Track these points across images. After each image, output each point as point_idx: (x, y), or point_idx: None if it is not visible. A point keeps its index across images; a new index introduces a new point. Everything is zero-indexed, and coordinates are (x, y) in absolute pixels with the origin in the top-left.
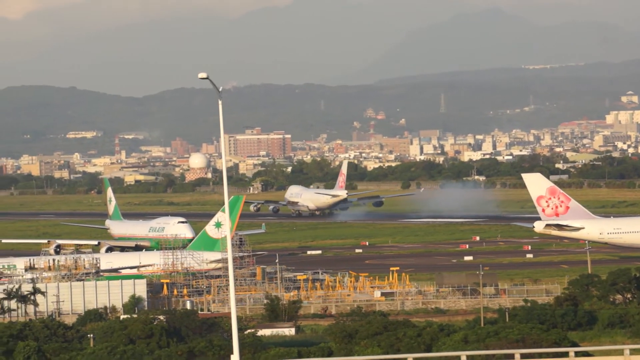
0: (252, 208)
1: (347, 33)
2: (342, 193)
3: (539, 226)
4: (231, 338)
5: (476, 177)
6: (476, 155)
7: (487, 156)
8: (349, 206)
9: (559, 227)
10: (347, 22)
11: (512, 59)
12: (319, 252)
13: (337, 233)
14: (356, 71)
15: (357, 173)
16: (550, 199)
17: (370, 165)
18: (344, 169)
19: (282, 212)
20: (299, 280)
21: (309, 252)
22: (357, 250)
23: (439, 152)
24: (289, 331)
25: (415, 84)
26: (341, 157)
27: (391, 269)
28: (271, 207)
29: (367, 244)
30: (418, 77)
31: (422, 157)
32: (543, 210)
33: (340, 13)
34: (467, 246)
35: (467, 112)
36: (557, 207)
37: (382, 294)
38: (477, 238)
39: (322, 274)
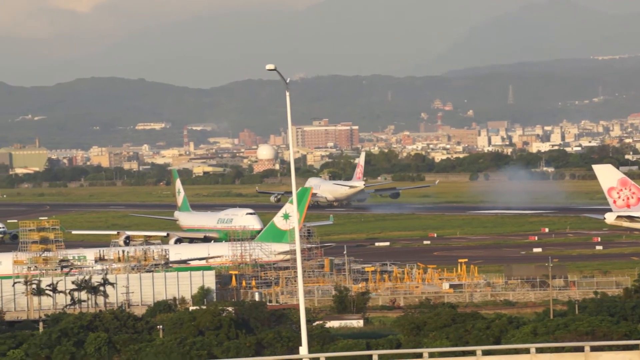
0: (272, 199)
1: (415, 24)
2: (360, 184)
3: (610, 217)
4: (299, 330)
5: (545, 168)
6: (544, 147)
7: (556, 147)
8: (367, 197)
9: (631, 218)
10: (415, 13)
11: (581, 49)
12: (387, 243)
13: (405, 225)
14: (424, 62)
15: (424, 164)
16: (621, 190)
17: (438, 156)
18: (362, 161)
19: None
20: (367, 272)
21: (377, 244)
22: (426, 242)
23: (507, 143)
24: (357, 323)
25: (483, 75)
26: (409, 149)
27: (459, 260)
28: (290, 198)
29: (435, 235)
30: (486, 67)
31: (490, 149)
32: (614, 202)
33: (408, 3)
34: (536, 238)
35: (535, 103)
36: (628, 198)
37: (451, 286)
38: (546, 230)
39: (390, 265)
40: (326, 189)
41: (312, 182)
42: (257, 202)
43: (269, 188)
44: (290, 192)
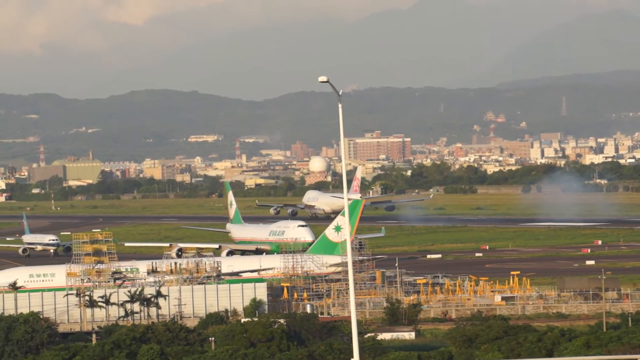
0: (271, 211)
1: (467, 35)
2: (355, 197)
3: None
4: (351, 342)
5: (598, 180)
6: (598, 159)
7: (609, 159)
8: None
9: None
10: (468, 25)
11: (635, 60)
12: (439, 255)
13: (457, 237)
14: (476, 74)
15: (476, 177)
16: None
17: (490, 168)
18: (358, 174)
19: (300, 214)
20: (419, 284)
21: (428, 256)
22: (477, 254)
23: (560, 155)
24: (409, 335)
25: (536, 87)
26: (461, 161)
27: (512, 273)
28: (289, 210)
29: (487, 247)
30: (539, 79)
31: (543, 161)
32: None
33: (461, 15)
34: (589, 250)
35: (588, 115)
36: None
37: (503, 299)
38: (599, 242)
39: (442, 277)
40: (324, 201)
41: (310, 194)
42: (308, 215)
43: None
44: (290, 205)
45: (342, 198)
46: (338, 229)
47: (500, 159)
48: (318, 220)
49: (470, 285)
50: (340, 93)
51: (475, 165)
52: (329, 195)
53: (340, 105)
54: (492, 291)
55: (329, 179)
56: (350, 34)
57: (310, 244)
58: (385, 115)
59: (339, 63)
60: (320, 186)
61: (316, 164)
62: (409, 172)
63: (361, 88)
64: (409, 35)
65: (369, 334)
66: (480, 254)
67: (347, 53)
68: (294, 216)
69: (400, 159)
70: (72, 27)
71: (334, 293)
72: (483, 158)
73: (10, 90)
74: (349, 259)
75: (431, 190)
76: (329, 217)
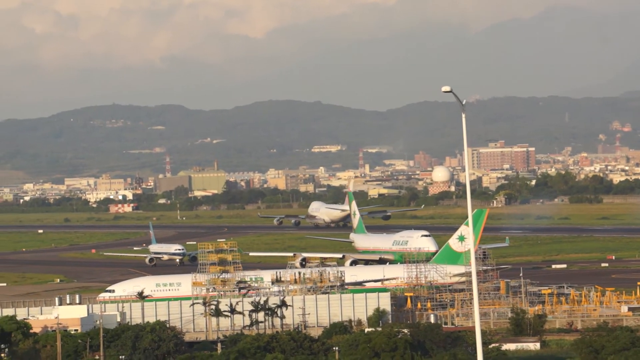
0: (275, 222)
1: (592, 44)
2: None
3: None
4: (475, 352)
5: None
6: None
7: None
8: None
9: None
10: (592, 33)
11: None
12: (564, 265)
13: (583, 247)
14: (601, 83)
15: (602, 186)
16: None
17: (616, 178)
18: (351, 186)
19: (302, 224)
20: (544, 294)
21: (553, 266)
22: (603, 265)
23: None
24: (534, 346)
25: None
26: (587, 170)
27: (639, 283)
28: (293, 220)
29: (613, 258)
30: None
31: None
32: None
33: (585, 24)
34: None
35: None
36: None
37: (630, 309)
38: None
39: (567, 288)
40: (324, 211)
41: (314, 205)
42: (432, 224)
43: (445, 210)
44: (291, 216)
45: (338, 209)
46: (462, 238)
47: (627, 168)
48: (442, 230)
49: (596, 296)
50: (463, 103)
51: (601, 174)
52: (327, 206)
53: (463, 115)
54: (618, 302)
55: (452, 188)
56: (473, 44)
57: (433, 253)
58: (509, 125)
59: (462, 73)
60: (444, 196)
61: (439, 174)
62: (533, 182)
63: (484, 98)
64: (532, 44)
65: (493, 345)
66: (607, 264)
67: (470, 63)
68: (297, 225)
69: (524, 168)
70: (194, 39)
71: (457, 303)
72: (609, 167)
73: (137, 102)
74: (473, 268)
75: (556, 199)
76: (328, 226)
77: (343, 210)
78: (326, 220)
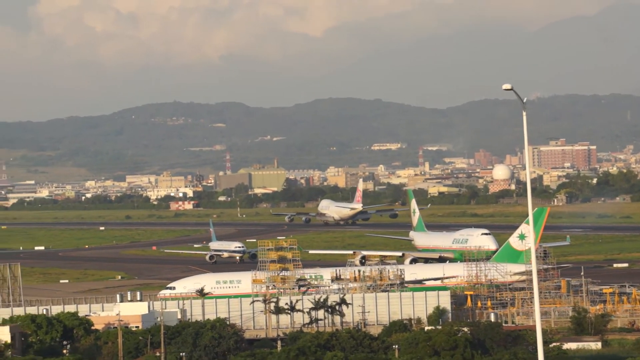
0: (286, 219)
1: None
2: (358, 206)
3: None
4: (536, 351)
5: None
6: None
7: None
8: (370, 217)
9: None
10: None
11: None
12: (626, 264)
13: None
14: None
15: None
16: None
17: None
18: (360, 187)
19: (313, 222)
20: (605, 293)
21: (615, 265)
22: None
23: None
24: (595, 345)
25: None
26: None
27: None
28: (303, 218)
29: None
30: None
31: None
32: None
33: None
34: None
35: None
36: None
37: None
38: None
39: (629, 287)
40: (334, 210)
41: (324, 203)
42: (492, 223)
43: (505, 209)
44: (302, 213)
45: (347, 208)
46: (522, 237)
47: None
48: (502, 229)
49: None
50: (524, 100)
51: None
52: (337, 204)
53: (524, 113)
54: None
55: (513, 187)
56: (533, 42)
57: (494, 252)
58: (570, 123)
59: (523, 70)
60: (504, 194)
61: (500, 172)
62: (594, 181)
63: (545, 95)
64: (594, 41)
65: (554, 344)
66: None
67: (531, 60)
68: (307, 223)
69: (585, 167)
70: (252, 37)
71: (518, 302)
72: None
73: (197, 99)
74: (534, 267)
75: (618, 198)
76: (337, 224)
77: (352, 209)
78: (335, 218)
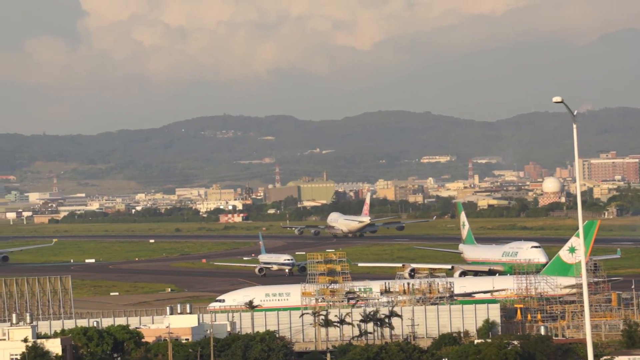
0: (296, 231)
1: None
2: (366, 219)
3: None
4: None
5: None
6: None
7: None
8: (377, 229)
9: None
10: None
11: None
12: None
13: None
14: None
15: None
16: None
17: None
18: (368, 200)
19: (322, 234)
20: None
21: None
22: None
23: None
24: None
25: None
26: None
27: None
28: (312, 230)
29: None
30: None
31: None
32: None
33: None
34: None
35: None
36: None
37: None
38: None
39: None
40: (342, 222)
41: (332, 216)
42: (542, 236)
43: (555, 221)
44: (312, 226)
45: (355, 221)
46: (572, 250)
47: None
48: (552, 242)
49: None
50: (574, 113)
51: None
52: (345, 217)
53: (575, 126)
54: None
55: (563, 199)
56: (584, 54)
57: (543, 265)
58: (622, 136)
59: (573, 83)
60: (554, 207)
61: (550, 185)
62: None
63: (596, 108)
64: None
65: (605, 357)
66: None
67: (582, 73)
68: (316, 235)
69: (636, 179)
70: (300, 52)
71: (568, 315)
72: None
73: (247, 113)
74: (584, 280)
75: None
76: (346, 237)
77: (360, 222)
78: (344, 231)
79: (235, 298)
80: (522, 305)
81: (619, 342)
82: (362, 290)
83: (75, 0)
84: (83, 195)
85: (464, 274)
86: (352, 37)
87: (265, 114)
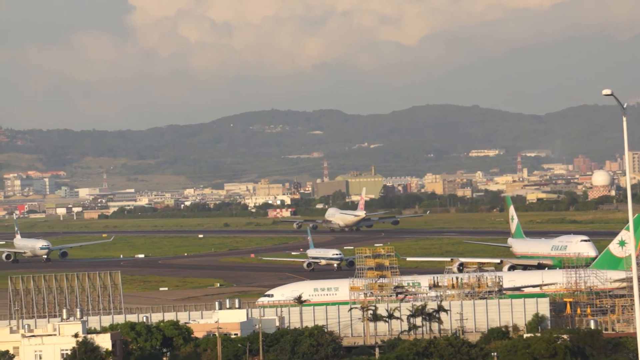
0: (294, 226)
1: None
2: (362, 213)
3: None
4: (637, 359)
5: None
6: None
7: None
8: (372, 224)
9: None
10: None
11: None
12: None
13: None
14: None
15: None
16: None
17: None
18: (364, 194)
19: (320, 228)
20: None
21: None
22: None
23: None
24: None
25: None
26: None
27: None
28: (311, 224)
29: None
30: None
31: None
32: None
33: None
34: None
35: None
36: None
37: None
38: None
39: None
40: (339, 217)
41: (330, 211)
42: (592, 229)
43: (605, 215)
44: (310, 220)
45: (352, 215)
46: (622, 243)
47: None
48: (602, 235)
49: None
50: (624, 106)
51: None
52: (342, 212)
53: (624, 119)
54: None
55: (613, 193)
56: (633, 46)
57: (593, 258)
58: None
59: (623, 76)
60: (604, 200)
61: (599, 178)
62: None
63: None
64: None
65: None
66: None
67: (632, 65)
68: (314, 229)
69: None
70: (346, 47)
71: (618, 309)
72: None
73: (295, 107)
74: (634, 274)
75: None
76: (342, 231)
77: (356, 216)
78: (341, 225)
79: (283, 293)
80: (571, 299)
81: None
82: (411, 284)
83: None
84: (132, 190)
85: (512, 268)
86: (398, 32)
87: (313, 109)
